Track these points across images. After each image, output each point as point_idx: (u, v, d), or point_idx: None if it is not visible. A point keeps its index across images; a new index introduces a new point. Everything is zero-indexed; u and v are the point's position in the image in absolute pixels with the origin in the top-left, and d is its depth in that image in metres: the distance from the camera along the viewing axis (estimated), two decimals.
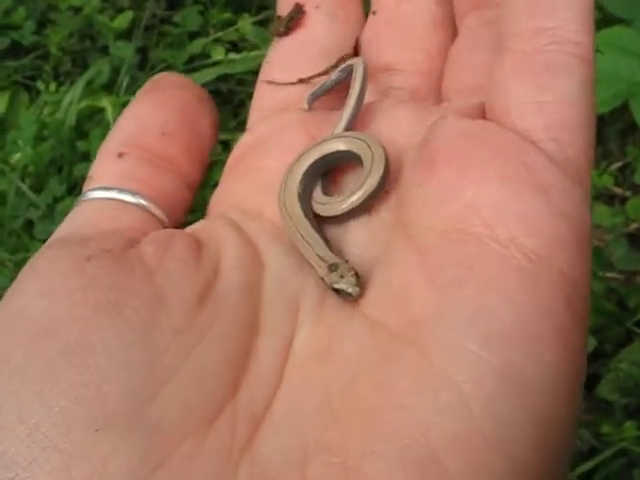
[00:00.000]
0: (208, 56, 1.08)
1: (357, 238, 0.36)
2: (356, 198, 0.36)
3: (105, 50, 1.11)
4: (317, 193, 0.38)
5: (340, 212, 0.36)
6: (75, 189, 0.98)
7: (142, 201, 0.38)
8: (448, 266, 0.31)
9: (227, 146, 1.07)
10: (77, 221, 0.37)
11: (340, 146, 0.37)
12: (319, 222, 0.37)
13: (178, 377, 0.31)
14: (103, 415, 0.30)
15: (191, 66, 1.08)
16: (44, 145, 1.00)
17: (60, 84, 1.11)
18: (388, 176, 0.36)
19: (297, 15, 0.42)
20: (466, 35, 0.42)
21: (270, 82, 0.43)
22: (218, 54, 1.06)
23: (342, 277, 0.33)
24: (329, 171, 0.39)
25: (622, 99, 0.83)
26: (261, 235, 0.37)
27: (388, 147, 0.37)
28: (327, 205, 0.37)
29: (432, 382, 0.29)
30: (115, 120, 0.41)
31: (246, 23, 1.08)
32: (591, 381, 0.84)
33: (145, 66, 1.10)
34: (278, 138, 0.40)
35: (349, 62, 0.41)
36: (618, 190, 0.98)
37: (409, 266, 0.33)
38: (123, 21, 1.07)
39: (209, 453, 0.30)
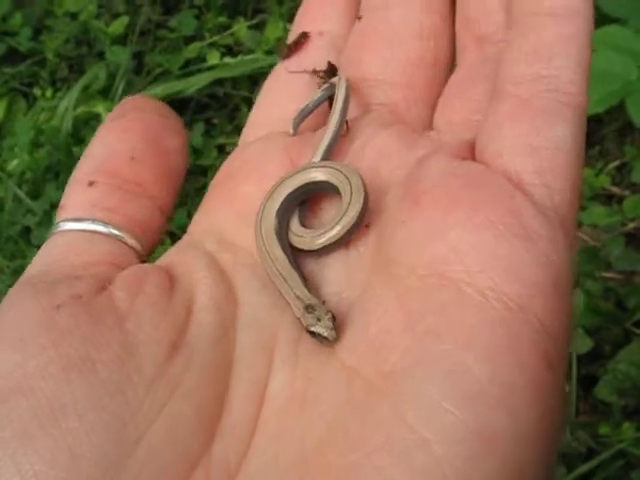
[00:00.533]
0: (204, 60, 1.08)
1: (334, 276, 0.36)
2: (335, 233, 0.35)
3: (102, 56, 1.11)
4: (294, 224, 0.37)
5: (318, 247, 0.36)
6: None
7: (114, 231, 0.37)
8: (427, 314, 0.31)
9: (223, 150, 1.07)
10: (49, 256, 0.37)
11: (318, 176, 0.37)
12: (296, 254, 0.36)
13: (151, 435, 0.31)
14: (76, 478, 0.30)
15: (187, 70, 1.08)
16: (41, 151, 1.00)
17: (57, 90, 1.11)
18: (367, 210, 0.36)
19: (301, 39, 0.44)
20: (464, 69, 0.41)
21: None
22: (213, 58, 1.06)
23: (319, 320, 0.33)
24: (307, 200, 0.38)
25: (617, 98, 0.82)
26: (237, 268, 0.36)
27: (371, 178, 0.36)
28: (304, 238, 0.36)
29: (405, 442, 0.28)
30: None
31: (241, 27, 1.07)
32: (589, 382, 0.84)
33: (141, 71, 1.10)
34: (258, 164, 0.40)
35: (331, 80, 0.41)
36: (615, 189, 0.98)
37: (388, 310, 0.32)
38: (119, 26, 1.07)
39: None
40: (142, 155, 0.39)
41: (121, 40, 1.10)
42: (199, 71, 1.06)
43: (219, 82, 1.07)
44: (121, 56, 1.04)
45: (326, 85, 0.41)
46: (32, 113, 1.09)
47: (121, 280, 0.35)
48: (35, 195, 1.01)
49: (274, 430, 0.32)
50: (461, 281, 0.31)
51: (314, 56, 0.44)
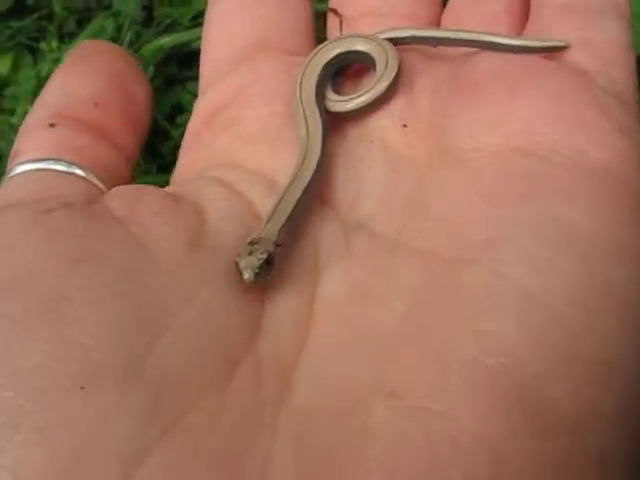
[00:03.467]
0: None
1: (374, 173, 0.33)
2: (369, 96, 0.36)
3: (111, 9, 1.08)
4: (329, 92, 0.38)
5: (351, 109, 0.37)
6: None
7: (78, 171, 0.34)
8: (507, 184, 0.29)
9: None
10: (7, 197, 0.33)
11: (357, 46, 0.38)
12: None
13: (180, 322, 0.28)
14: (89, 370, 0.25)
15: (198, 22, 1.04)
16: None
17: (64, 44, 1.08)
18: (399, 79, 0.37)
19: None
20: None
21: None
22: None
23: (250, 254, 0.30)
24: (338, 73, 0.39)
25: None
26: (254, 188, 0.34)
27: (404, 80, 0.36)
28: (338, 102, 0.37)
29: (519, 300, 0.26)
30: None
31: None
32: None
33: (150, 24, 1.06)
34: (259, 86, 0.37)
35: None
36: None
37: (458, 189, 0.30)
38: None
39: (233, 411, 0.26)
40: (107, 101, 0.37)
41: None
42: None
43: None
44: (129, 6, 1.01)
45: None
46: (38, 68, 1.06)
47: (113, 194, 0.32)
48: None
49: (335, 320, 0.29)
50: (545, 148, 0.29)
51: None
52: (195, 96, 1.08)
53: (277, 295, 0.30)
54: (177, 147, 1.05)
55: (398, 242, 0.31)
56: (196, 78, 1.09)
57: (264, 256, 0.30)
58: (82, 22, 1.12)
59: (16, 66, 1.09)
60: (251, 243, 0.30)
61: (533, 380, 0.25)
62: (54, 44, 1.07)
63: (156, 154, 1.06)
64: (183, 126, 1.06)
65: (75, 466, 0.23)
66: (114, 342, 0.26)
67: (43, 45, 1.09)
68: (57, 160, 0.34)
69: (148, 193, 0.32)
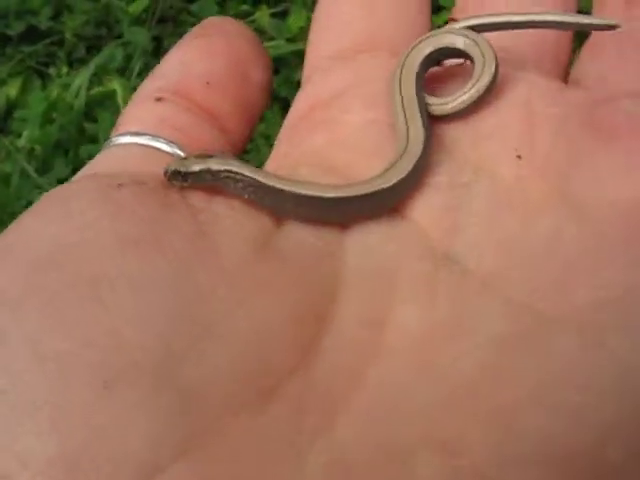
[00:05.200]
0: None
1: (478, 204, 0.30)
2: (466, 97, 0.34)
3: (120, 38, 1.09)
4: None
5: (450, 111, 0.34)
6: None
7: (178, 151, 0.32)
8: (632, 246, 0.26)
9: None
10: (99, 165, 0.32)
11: (456, 42, 0.36)
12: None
13: (227, 328, 0.25)
14: (118, 365, 0.23)
15: None
16: (51, 126, 0.98)
17: (73, 70, 1.10)
18: (497, 79, 0.34)
19: None
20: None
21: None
22: None
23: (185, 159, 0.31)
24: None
25: None
26: None
27: (522, 108, 0.33)
28: (436, 105, 0.35)
29: (609, 375, 0.23)
30: (125, 104, 0.37)
31: (264, 14, 1.06)
32: None
33: (160, 54, 1.08)
34: (361, 89, 0.35)
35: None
36: None
37: (571, 241, 0.27)
38: (139, 5, 1.05)
39: (267, 432, 0.24)
40: (221, 82, 0.34)
41: (140, 22, 1.09)
42: None
43: None
44: (139, 36, 1.02)
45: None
46: (47, 92, 1.07)
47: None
48: (43, 171, 0.99)
49: (404, 358, 0.26)
50: None
51: None
52: None
53: (342, 316, 0.27)
54: None
55: (491, 286, 0.28)
56: None
57: (187, 169, 0.30)
58: (92, 49, 1.14)
59: (25, 89, 1.10)
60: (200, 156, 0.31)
61: (617, 466, 0.22)
62: (64, 69, 1.08)
63: None
64: None
65: (83, 463, 0.22)
66: (151, 338, 0.24)
67: (52, 70, 1.11)
68: (155, 137, 0.32)
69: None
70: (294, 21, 1.03)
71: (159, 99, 0.33)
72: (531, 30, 0.36)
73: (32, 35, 1.16)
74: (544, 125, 0.32)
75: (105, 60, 1.01)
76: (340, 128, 0.33)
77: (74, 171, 1.07)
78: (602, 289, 0.26)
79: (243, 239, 0.28)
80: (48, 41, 1.14)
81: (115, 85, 0.96)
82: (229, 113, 0.34)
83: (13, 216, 1.03)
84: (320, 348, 0.26)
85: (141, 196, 0.28)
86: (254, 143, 0.96)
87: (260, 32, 1.08)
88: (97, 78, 1.03)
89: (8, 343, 0.23)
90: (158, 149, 0.32)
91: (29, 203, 0.98)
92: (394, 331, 0.27)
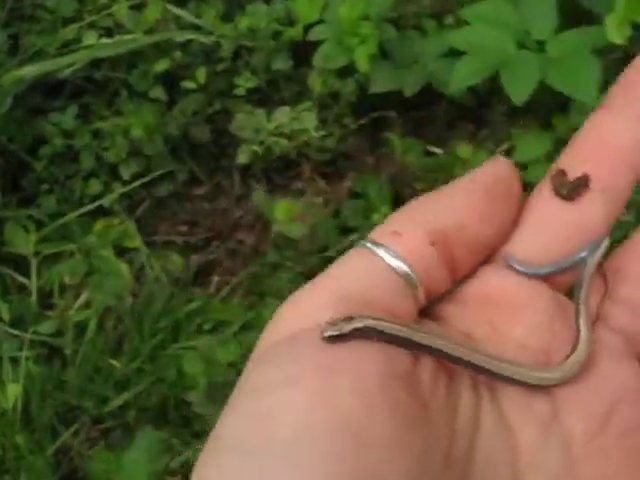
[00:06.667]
0: (81, 41, 1.03)
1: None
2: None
3: None
4: None
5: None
6: None
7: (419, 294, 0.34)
8: None
9: (98, 135, 1.02)
10: (359, 280, 0.33)
11: None
12: None
13: None
14: None
15: (64, 50, 1.03)
16: None
17: None
18: None
19: (582, 187, 0.38)
20: None
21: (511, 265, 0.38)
22: (90, 39, 1.01)
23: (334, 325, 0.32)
24: None
25: (490, 70, 0.80)
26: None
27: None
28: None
29: None
30: None
31: (122, 7, 1.03)
32: None
33: (16, 53, 1.04)
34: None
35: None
36: None
37: None
38: None
39: None
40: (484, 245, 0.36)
41: None
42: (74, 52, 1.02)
43: (97, 65, 1.03)
44: None
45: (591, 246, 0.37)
46: None
47: (425, 366, 0.33)
48: None
49: None
50: None
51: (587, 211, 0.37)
52: (57, 127, 1.04)
53: None
54: (39, 180, 1.02)
55: None
56: (61, 108, 1.08)
57: (351, 327, 0.32)
58: None
59: None
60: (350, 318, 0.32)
61: None
62: None
63: (17, 187, 1.02)
64: (45, 158, 1.03)
65: None
66: None
67: None
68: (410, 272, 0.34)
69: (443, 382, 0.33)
70: (151, 13, 1.01)
71: (433, 244, 0.34)
72: None
73: None
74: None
75: None
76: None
77: None
78: None
79: (442, 451, 0.31)
80: None
81: None
82: (465, 265, 0.36)
83: None
84: None
85: (405, 392, 0.31)
86: None
87: (118, 26, 1.06)
88: None
89: None
90: (404, 279, 0.33)
91: None
92: None
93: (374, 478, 0.28)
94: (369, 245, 0.33)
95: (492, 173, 0.36)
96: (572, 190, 0.38)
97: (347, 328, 0.31)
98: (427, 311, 0.36)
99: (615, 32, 0.77)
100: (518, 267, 0.36)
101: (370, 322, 0.32)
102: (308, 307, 0.32)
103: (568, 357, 0.35)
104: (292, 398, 0.29)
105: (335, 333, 0.31)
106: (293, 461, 0.28)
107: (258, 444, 0.28)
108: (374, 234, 0.34)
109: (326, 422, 0.28)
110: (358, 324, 0.32)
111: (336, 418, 0.29)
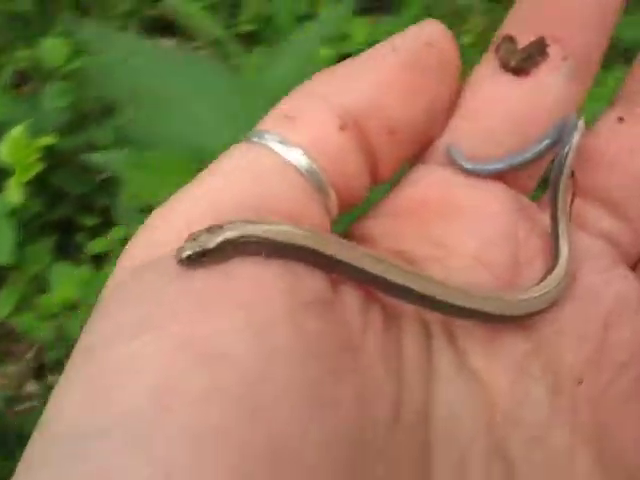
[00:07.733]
0: None
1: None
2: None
3: None
4: None
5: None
6: None
7: (327, 189, 0.28)
8: None
9: None
10: (244, 184, 0.27)
11: None
12: None
13: None
14: None
15: None
16: None
17: None
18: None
19: (537, 55, 0.30)
20: None
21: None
22: None
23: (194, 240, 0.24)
24: None
25: None
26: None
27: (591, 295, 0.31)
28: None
29: None
30: None
31: None
32: None
33: None
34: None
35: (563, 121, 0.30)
36: None
37: None
38: None
39: None
40: (404, 132, 0.29)
41: None
42: None
43: None
44: None
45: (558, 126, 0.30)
46: None
47: (349, 300, 0.27)
48: None
49: None
50: None
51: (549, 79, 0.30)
52: None
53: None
54: None
55: None
56: None
57: (220, 239, 0.24)
58: None
59: None
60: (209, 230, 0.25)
61: None
62: None
63: None
64: None
65: None
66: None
67: None
68: (311, 167, 0.27)
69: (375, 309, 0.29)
70: None
71: (343, 128, 0.27)
72: None
73: None
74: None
75: None
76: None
77: None
78: None
79: (386, 404, 0.27)
80: None
81: None
82: (388, 157, 0.29)
83: None
84: None
85: (323, 327, 0.25)
86: None
87: None
88: None
89: None
90: (300, 171, 0.27)
91: None
92: None
93: (284, 454, 0.23)
94: (255, 138, 0.25)
95: (418, 38, 0.27)
96: (524, 60, 0.30)
97: (213, 242, 0.23)
98: (348, 232, 0.29)
99: None
100: (462, 163, 0.28)
101: (248, 229, 0.24)
102: (177, 221, 0.24)
103: (548, 274, 0.28)
104: (141, 357, 0.22)
105: (197, 250, 0.23)
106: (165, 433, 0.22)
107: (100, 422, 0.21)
108: (263, 123, 0.26)
109: (199, 388, 0.22)
110: (230, 234, 0.23)
111: (216, 380, 0.22)
